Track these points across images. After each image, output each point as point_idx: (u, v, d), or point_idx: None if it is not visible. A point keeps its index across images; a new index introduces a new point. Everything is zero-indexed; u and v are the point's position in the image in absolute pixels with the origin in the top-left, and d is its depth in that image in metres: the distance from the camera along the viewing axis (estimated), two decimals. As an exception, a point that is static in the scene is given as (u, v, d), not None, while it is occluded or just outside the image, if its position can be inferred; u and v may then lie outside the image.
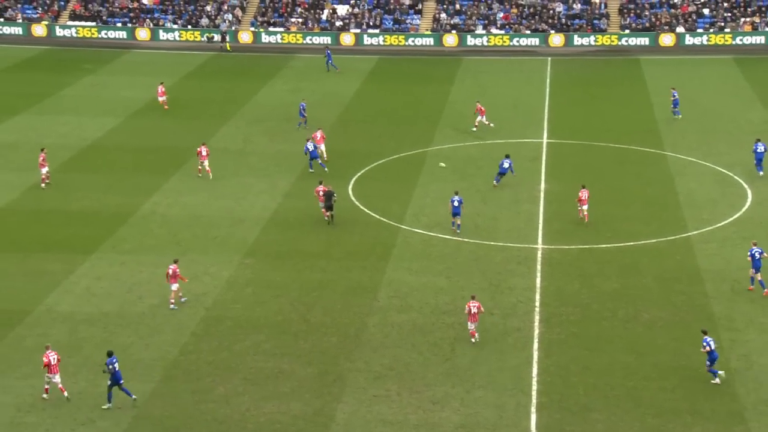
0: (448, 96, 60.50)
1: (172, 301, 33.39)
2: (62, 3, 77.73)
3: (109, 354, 27.85)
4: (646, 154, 49.53)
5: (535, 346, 30.87)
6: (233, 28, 76.13)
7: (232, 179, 45.75)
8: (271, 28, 76.04)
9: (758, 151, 45.14)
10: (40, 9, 76.68)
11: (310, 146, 45.86)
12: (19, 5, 76.84)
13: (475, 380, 29.01)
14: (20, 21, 75.12)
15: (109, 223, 40.27)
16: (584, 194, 40.31)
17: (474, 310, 30.92)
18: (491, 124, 52.75)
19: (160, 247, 38.10)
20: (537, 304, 33.67)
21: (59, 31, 74.73)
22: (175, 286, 33.31)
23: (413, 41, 74.68)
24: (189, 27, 75.82)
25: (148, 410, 27.61)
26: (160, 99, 56.53)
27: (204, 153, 45.45)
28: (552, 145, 51.01)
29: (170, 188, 44.52)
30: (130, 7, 77.40)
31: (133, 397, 27.87)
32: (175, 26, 75.75)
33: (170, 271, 33.17)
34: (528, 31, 74.86)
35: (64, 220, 40.72)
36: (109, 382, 27.60)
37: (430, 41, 74.65)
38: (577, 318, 32.62)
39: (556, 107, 58.28)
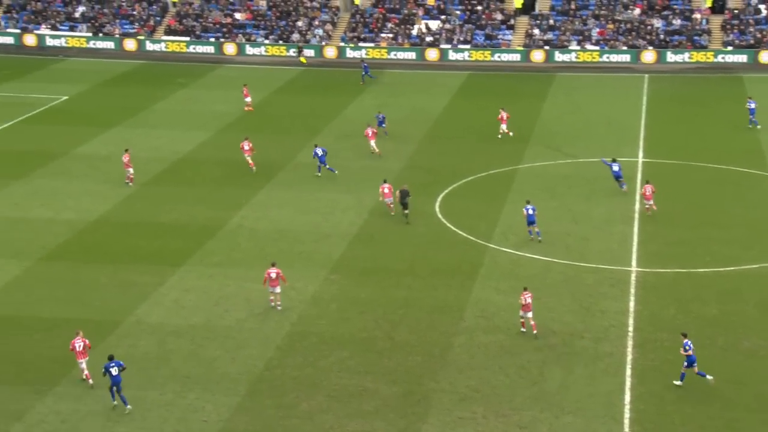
0: (539, 112, 59.51)
1: (275, 301, 34.06)
2: (158, 18, 79.53)
3: (110, 358, 28.33)
4: (748, 176, 47.63)
5: (628, 372, 29.77)
6: (323, 43, 76.69)
7: (319, 194, 45.76)
8: (361, 44, 76.33)
9: None
10: (136, 24, 78.61)
11: (319, 151, 47.19)
12: (117, 20, 78.93)
13: (564, 405, 28.10)
14: (117, 35, 77.10)
15: (198, 235, 40.64)
16: (648, 189, 41.24)
17: (528, 300, 31.78)
18: (510, 133, 52.76)
19: (247, 261, 38.24)
20: (630, 328, 32.50)
21: (150, 46, 76.43)
22: (278, 289, 33.90)
23: (500, 57, 73.94)
24: (280, 42, 76.67)
25: (233, 424, 27.54)
26: (247, 100, 59.08)
27: (246, 148, 47.88)
28: (648, 165, 49.53)
29: (258, 202, 44.76)
30: (223, 22, 78.71)
31: (128, 407, 28.05)
32: (267, 41, 76.69)
33: (273, 274, 33.71)
34: (624, 47, 73.26)
35: (155, 232, 41.25)
36: (110, 384, 28.15)
37: (517, 57, 73.81)
38: (673, 344, 31.29)
39: (652, 125, 56.67)
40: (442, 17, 78.26)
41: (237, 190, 45.91)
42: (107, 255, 38.74)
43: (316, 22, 78.63)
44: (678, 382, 28.89)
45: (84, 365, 29.18)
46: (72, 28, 78.20)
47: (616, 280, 36.14)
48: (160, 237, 40.64)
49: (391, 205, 42.37)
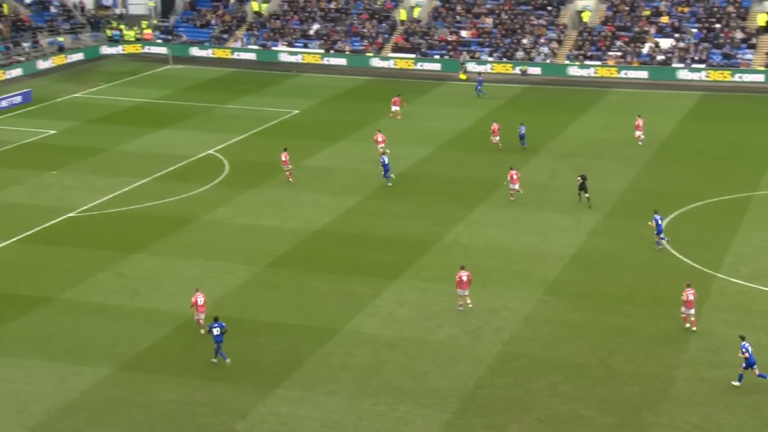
0: (782, 137, 55.71)
1: (463, 303, 35.14)
2: (386, 36, 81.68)
3: (215, 319, 31.84)
4: None
5: None
6: (548, 61, 75.77)
7: (536, 214, 45.06)
8: (587, 62, 74.72)
9: None
10: (365, 41, 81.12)
11: (386, 159, 49.33)
12: (348, 38, 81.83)
13: (797, 454, 25.91)
14: (347, 52, 79.86)
15: (413, 250, 41.07)
16: None
17: (690, 297, 32.53)
18: (640, 141, 54.31)
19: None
20: None
21: (378, 63, 78.41)
22: (467, 292, 34.94)
23: (740, 77, 69.83)
24: (504, 60, 76.54)
25: (440, 441, 27.51)
26: (394, 108, 62.00)
27: (380, 139, 52.94)
28: None
29: (474, 219, 44.68)
30: (449, 39, 79.63)
31: (227, 360, 31.50)
32: (491, 59, 76.79)
33: (464, 277, 34.66)
34: None
35: (372, 244, 42.11)
36: (215, 345, 31.57)
37: (760, 77, 69.42)
38: None
39: None
40: (676, 35, 75.06)
41: (453, 207, 46.09)
42: (328, 264, 39.96)
43: (542, 40, 77.81)
44: (736, 383, 29.39)
45: (201, 317, 33.56)
46: (306, 45, 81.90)
47: None
48: (377, 249, 41.45)
49: (514, 192, 46.03)
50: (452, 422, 28.29)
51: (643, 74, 72.21)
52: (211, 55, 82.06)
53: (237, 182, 50.21)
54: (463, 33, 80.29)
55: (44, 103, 66.60)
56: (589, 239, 41.79)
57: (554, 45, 77.16)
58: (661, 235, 39.88)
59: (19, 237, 42.50)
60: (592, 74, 73.35)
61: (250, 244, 42.10)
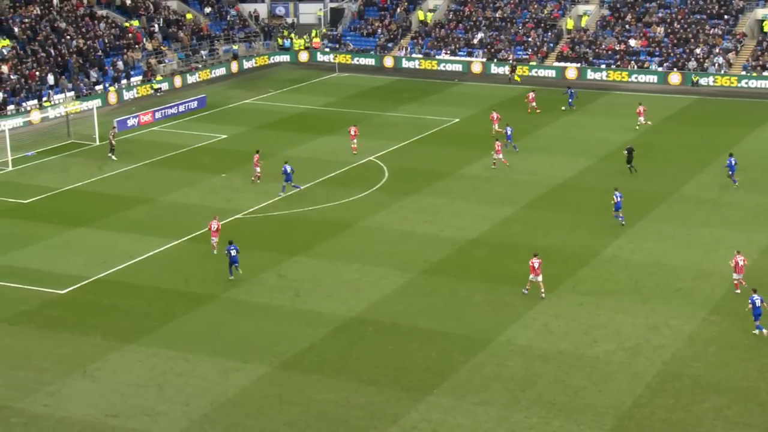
0: None
1: (529, 288, 36.99)
2: (551, 45, 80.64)
3: (230, 242, 38.67)
4: None
5: None
6: (722, 72, 72.66)
7: (703, 229, 43.33)
8: (765, 73, 71.12)
9: None
10: (530, 50, 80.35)
11: (288, 168, 49.38)
12: (512, 47, 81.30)
13: None
14: (511, 61, 79.33)
15: (571, 262, 40.32)
16: None
17: (741, 263, 35.57)
18: (648, 123, 59.02)
19: (619, 293, 37.22)
20: None
21: (541, 72, 77.34)
22: (540, 278, 36.48)
23: None
24: (674, 70, 73.98)
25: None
26: (531, 105, 64.52)
27: (353, 133, 56.23)
28: None
29: (636, 233, 43.41)
30: (616, 48, 77.74)
31: (240, 271, 38.40)
32: (660, 69, 74.41)
33: (536, 264, 36.20)
34: None
35: (529, 255, 41.19)
36: (233, 264, 38.40)
37: None
38: None
39: None
40: None
41: (614, 220, 44.91)
42: (482, 273, 39.82)
43: (717, 50, 74.69)
44: (756, 332, 32.43)
45: (214, 242, 40.58)
46: (470, 54, 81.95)
47: None
48: (534, 260, 40.94)
49: (496, 161, 52.35)
50: (610, 440, 27.64)
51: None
52: (415, 65, 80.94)
53: (395, 189, 50.81)
54: (632, 42, 78.21)
55: (217, 109, 69.73)
56: (761, 258, 39.81)
57: (730, 55, 73.89)
58: (619, 213, 43.30)
59: (190, 236, 44.62)
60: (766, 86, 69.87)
61: (406, 250, 42.50)
